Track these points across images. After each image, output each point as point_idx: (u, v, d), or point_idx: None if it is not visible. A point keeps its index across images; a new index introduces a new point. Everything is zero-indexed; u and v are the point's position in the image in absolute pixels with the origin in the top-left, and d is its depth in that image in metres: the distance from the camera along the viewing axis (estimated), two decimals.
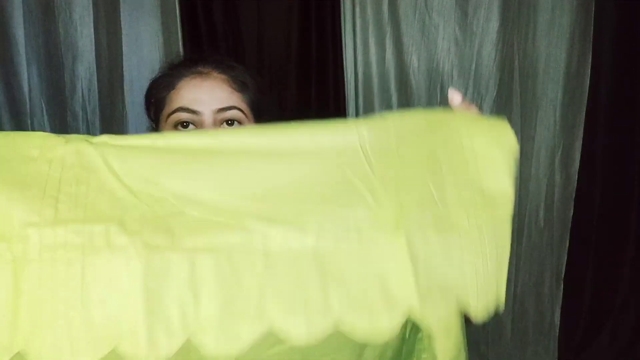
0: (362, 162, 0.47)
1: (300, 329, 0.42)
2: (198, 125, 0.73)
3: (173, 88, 0.77)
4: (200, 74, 0.77)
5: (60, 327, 0.39)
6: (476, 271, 0.46)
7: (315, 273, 0.43)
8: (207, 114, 0.73)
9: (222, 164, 0.47)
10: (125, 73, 1.37)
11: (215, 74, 0.78)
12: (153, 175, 0.44)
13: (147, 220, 0.42)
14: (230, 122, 0.75)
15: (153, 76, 0.83)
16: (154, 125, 0.81)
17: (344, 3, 1.37)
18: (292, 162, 0.47)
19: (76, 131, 1.40)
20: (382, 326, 0.43)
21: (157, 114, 0.79)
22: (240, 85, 0.77)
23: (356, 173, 0.47)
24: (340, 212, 0.45)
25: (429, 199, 0.47)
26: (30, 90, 1.38)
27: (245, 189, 0.45)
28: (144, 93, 0.84)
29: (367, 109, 1.41)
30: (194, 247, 0.41)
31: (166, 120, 0.76)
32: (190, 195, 0.44)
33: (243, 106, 0.76)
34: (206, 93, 0.76)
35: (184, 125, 0.74)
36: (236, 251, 0.42)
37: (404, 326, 0.54)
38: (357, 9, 1.37)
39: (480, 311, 0.46)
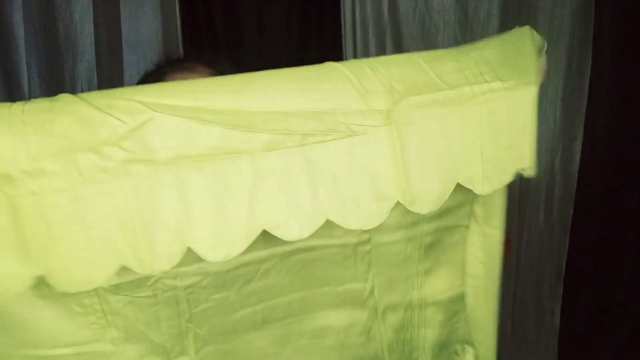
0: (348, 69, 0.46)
1: (293, 229, 0.44)
2: None
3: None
4: (186, 68, 0.78)
5: (66, 250, 0.40)
6: (481, 146, 0.47)
7: (303, 173, 0.44)
8: None
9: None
10: (125, 73, 1.37)
11: (201, 67, 0.78)
12: (120, 93, 0.42)
13: (122, 136, 0.41)
14: None
15: (140, 78, 0.83)
16: None
17: (344, 3, 1.37)
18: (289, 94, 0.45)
19: None
20: (371, 216, 0.45)
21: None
22: None
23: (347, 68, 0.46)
24: (326, 106, 0.44)
25: (424, 78, 0.47)
26: (30, 90, 1.38)
27: (223, 103, 0.43)
28: None
29: None
30: (176, 159, 0.41)
31: None
32: (163, 102, 0.42)
33: None
34: None
35: None
36: (221, 160, 0.42)
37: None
38: (357, 9, 1.37)
39: (486, 187, 0.48)
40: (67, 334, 0.50)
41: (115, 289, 0.49)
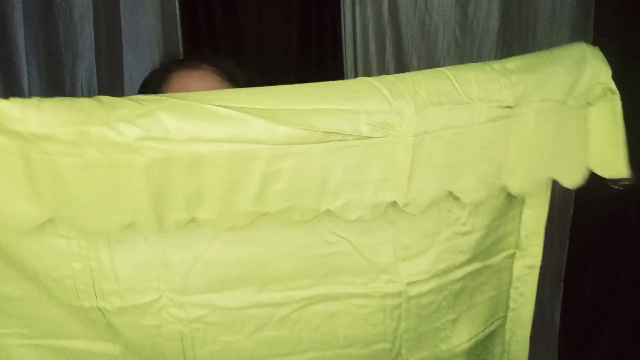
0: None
1: (295, 214, 0.45)
2: None
3: (164, 81, 0.78)
4: (189, 66, 0.78)
5: (79, 206, 0.42)
6: (478, 165, 0.48)
7: (316, 172, 0.45)
8: None
9: None
10: (125, 73, 1.37)
11: (204, 65, 0.79)
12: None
13: (139, 115, 0.41)
14: None
15: (146, 77, 0.83)
16: None
17: (344, 3, 1.37)
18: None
19: None
20: (367, 210, 0.47)
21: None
22: (230, 77, 0.79)
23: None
24: (352, 106, 0.45)
25: (447, 86, 0.47)
26: (30, 90, 1.38)
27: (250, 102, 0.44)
28: (137, 93, 0.84)
29: None
30: (193, 141, 0.42)
31: None
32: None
33: None
34: (196, 81, 0.77)
35: None
36: (238, 149, 0.42)
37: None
38: (357, 9, 1.37)
39: (474, 199, 0.49)
40: (79, 329, 0.50)
41: (119, 312, 0.48)
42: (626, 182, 0.53)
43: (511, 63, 0.50)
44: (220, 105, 0.42)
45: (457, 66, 0.49)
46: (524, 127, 0.50)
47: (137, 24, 1.36)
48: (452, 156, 0.48)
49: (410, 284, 0.53)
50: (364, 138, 0.45)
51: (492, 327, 0.64)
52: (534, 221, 0.60)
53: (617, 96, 0.54)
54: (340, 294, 0.52)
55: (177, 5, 1.35)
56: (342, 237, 0.51)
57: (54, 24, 1.35)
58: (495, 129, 0.49)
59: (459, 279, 0.57)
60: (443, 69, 0.48)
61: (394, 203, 0.48)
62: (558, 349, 1.55)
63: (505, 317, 0.65)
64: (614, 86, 0.54)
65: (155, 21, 1.36)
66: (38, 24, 1.35)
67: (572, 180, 0.54)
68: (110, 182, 0.41)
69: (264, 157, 0.43)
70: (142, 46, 1.37)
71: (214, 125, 0.42)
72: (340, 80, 0.48)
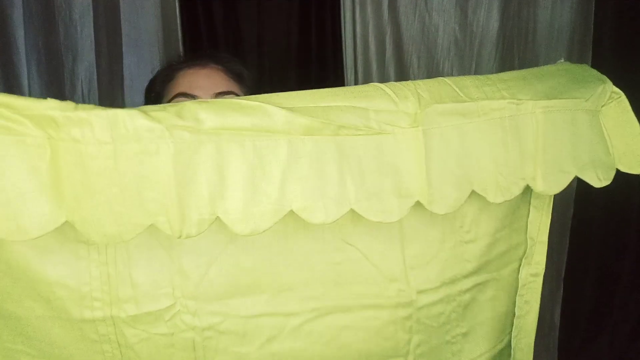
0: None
1: (318, 213, 0.45)
2: None
3: (172, 79, 0.78)
4: (197, 64, 0.78)
5: (100, 202, 0.41)
6: (496, 159, 0.49)
7: (334, 162, 0.45)
8: (206, 99, 0.73)
9: None
10: (125, 73, 1.37)
11: (212, 64, 0.79)
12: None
13: (167, 107, 0.43)
14: None
15: (153, 75, 0.83)
16: None
17: (344, 3, 1.37)
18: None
19: None
20: (392, 211, 0.47)
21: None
22: (237, 76, 0.79)
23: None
24: (361, 104, 0.47)
25: (448, 89, 0.50)
26: (30, 90, 1.38)
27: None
28: (144, 91, 0.84)
29: None
30: (220, 130, 0.43)
31: None
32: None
33: (240, 94, 0.77)
34: (204, 79, 0.77)
35: None
36: (261, 137, 0.44)
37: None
38: (357, 9, 1.37)
39: (499, 197, 0.50)
40: (83, 356, 0.50)
41: (133, 320, 0.48)
42: None
43: (506, 75, 0.53)
44: (243, 99, 0.44)
45: (457, 77, 0.52)
46: (535, 123, 0.51)
47: (137, 24, 1.36)
48: (467, 149, 0.49)
49: (420, 292, 0.54)
50: (375, 133, 0.46)
51: (504, 343, 0.64)
52: (537, 230, 0.61)
53: (622, 95, 0.56)
54: (352, 306, 0.53)
55: (177, 5, 1.35)
56: (350, 245, 0.51)
57: (54, 24, 1.35)
58: (505, 123, 0.50)
59: (467, 290, 0.57)
60: (442, 78, 0.51)
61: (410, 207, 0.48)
62: (558, 349, 1.55)
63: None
64: (615, 88, 0.56)
65: (155, 21, 1.36)
66: (38, 24, 1.35)
67: (599, 179, 0.55)
68: (137, 174, 0.41)
69: (285, 147, 0.44)
70: (142, 46, 1.37)
71: (239, 115, 0.43)
72: (353, 86, 0.49)
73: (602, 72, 0.59)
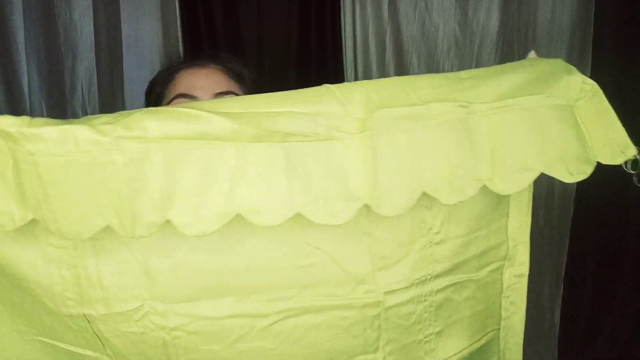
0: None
1: (266, 216, 0.46)
2: None
3: (172, 80, 0.78)
4: (197, 65, 0.78)
5: (58, 207, 0.44)
6: (449, 161, 0.50)
7: (282, 167, 0.46)
8: (205, 99, 0.73)
9: None
10: (125, 73, 1.37)
11: (212, 64, 0.79)
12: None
13: (117, 119, 0.44)
14: None
15: (153, 76, 0.83)
16: None
17: (344, 3, 1.37)
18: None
19: None
20: (339, 214, 0.48)
21: (157, 107, 0.80)
22: (236, 76, 0.79)
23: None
24: (311, 109, 0.48)
25: (400, 91, 0.50)
26: (30, 90, 1.38)
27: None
28: (144, 93, 0.84)
29: None
30: (167, 139, 0.44)
31: None
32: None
33: (240, 94, 0.77)
34: (203, 79, 0.77)
35: None
36: (209, 145, 0.45)
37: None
38: (357, 9, 1.37)
39: (453, 198, 0.50)
40: (70, 337, 0.52)
41: (104, 319, 0.50)
42: None
43: (465, 73, 0.53)
44: (192, 108, 0.46)
45: (413, 76, 0.52)
46: (487, 125, 0.51)
47: (137, 24, 1.36)
48: (417, 152, 0.49)
49: (387, 293, 0.54)
50: (323, 140, 0.47)
51: (483, 341, 0.64)
52: (518, 231, 0.61)
53: (595, 85, 0.54)
54: (322, 307, 0.53)
55: (177, 5, 1.35)
56: (318, 249, 0.52)
57: (54, 24, 1.35)
58: (456, 125, 0.50)
59: (440, 290, 0.57)
60: (399, 77, 0.52)
61: (367, 214, 0.49)
62: (558, 349, 1.55)
63: (499, 328, 0.66)
64: (588, 79, 0.54)
65: (155, 21, 1.36)
66: (38, 24, 1.35)
67: (571, 173, 0.54)
68: (89, 182, 0.44)
69: (233, 154, 0.45)
70: (142, 46, 1.37)
71: (185, 124, 0.45)
72: (306, 88, 0.50)
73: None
